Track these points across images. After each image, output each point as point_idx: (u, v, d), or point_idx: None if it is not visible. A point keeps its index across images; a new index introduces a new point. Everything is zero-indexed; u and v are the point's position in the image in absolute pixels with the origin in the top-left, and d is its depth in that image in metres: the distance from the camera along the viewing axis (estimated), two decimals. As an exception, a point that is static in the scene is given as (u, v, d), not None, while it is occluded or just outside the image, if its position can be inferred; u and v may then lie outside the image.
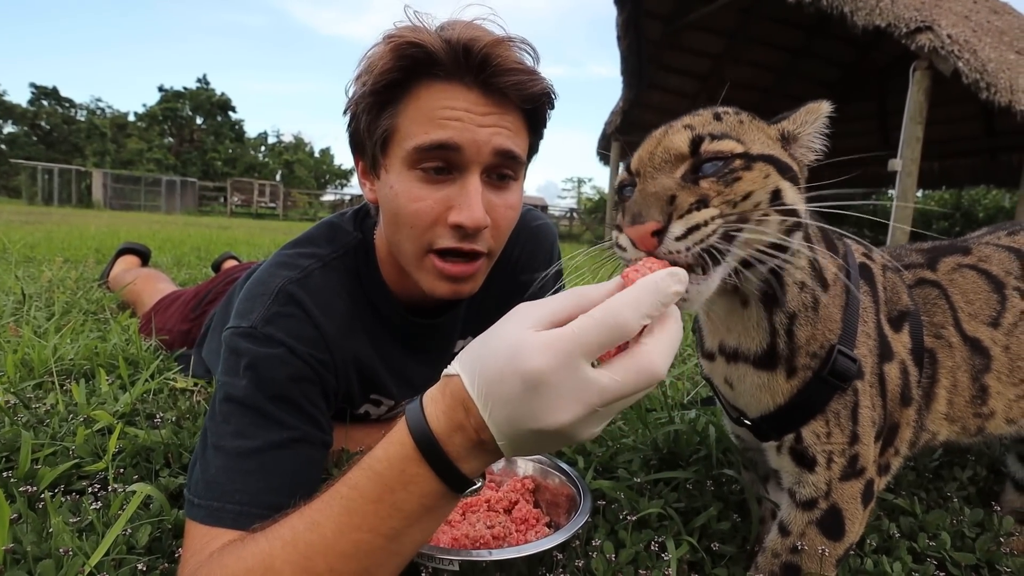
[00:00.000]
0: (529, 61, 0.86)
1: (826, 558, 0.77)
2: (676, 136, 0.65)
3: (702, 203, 0.59)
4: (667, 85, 10.61)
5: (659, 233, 0.57)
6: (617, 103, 10.55)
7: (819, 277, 0.75)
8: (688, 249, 0.56)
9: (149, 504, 0.93)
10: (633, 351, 0.50)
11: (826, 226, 0.81)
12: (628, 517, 0.93)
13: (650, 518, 0.98)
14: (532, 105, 0.87)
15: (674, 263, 0.56)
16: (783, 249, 0.65)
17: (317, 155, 46.68)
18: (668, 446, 1.22)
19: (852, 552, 0.92)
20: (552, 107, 0.92)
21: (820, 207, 0.69)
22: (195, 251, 5.02)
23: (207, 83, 40.72)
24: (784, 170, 0.65)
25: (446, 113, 0.81)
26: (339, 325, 0.92)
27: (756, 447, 0.87)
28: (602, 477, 1.13)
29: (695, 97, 10.95)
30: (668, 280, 0.51)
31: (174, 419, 1.23)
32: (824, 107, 0.70)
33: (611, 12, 9.15)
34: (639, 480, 1.06)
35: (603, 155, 11.62)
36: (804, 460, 0.77)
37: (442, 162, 0.83)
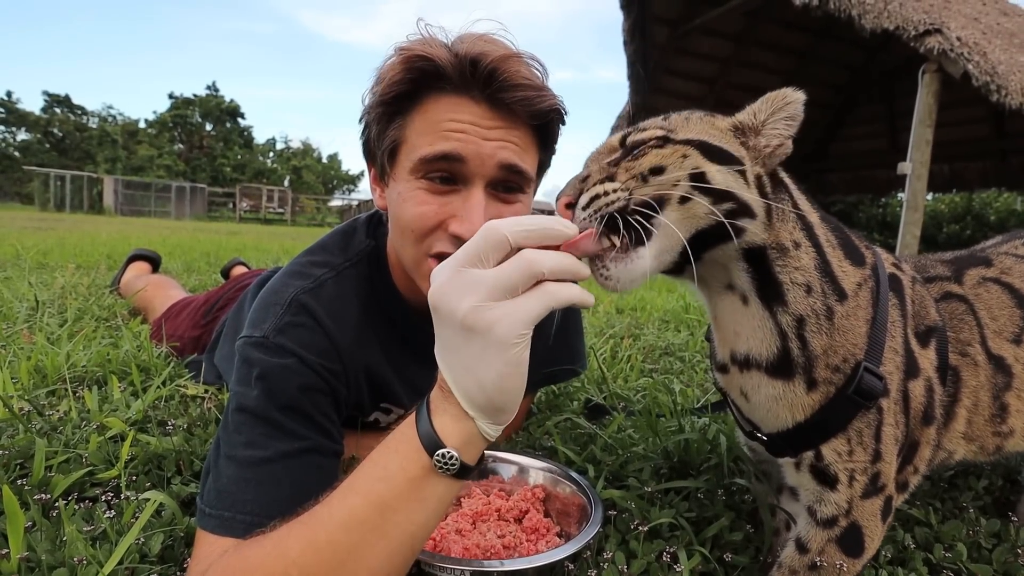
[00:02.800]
0: (538, 77, 0.87)
1: (844, 574, 0.76)
2: (613, 136, 0.74)
3: (608, 179, 0.65)
4: (673, 89, 10.60)
5: (573, 207, 0.64)
6: (623, 108, 10.55)
7: (833, 284, 0.73)
8: (590, 217, 0.63)
9: (161, 512, 0.93)
10: None
11: (850, 232, 0.80)
12: (639, 527, 0.92)
13: (661, 528, 0.97)
14: (540, 121, 0.87)
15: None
16: (736, 233, 0.67)
17: (325, 160, 46.97)
18: (679, 454, 1.21)
19: (867, 563, 0.91)
20: (563, 123, 0.92)
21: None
22: (205, 257, 5.06)
23: (216, 90, 41.15)
24: (714, 154, 0.67)
25: (452, 125, 0.82)
26: (351, 335, 0.93)
27: (771, 460, 0.86)
28: (612, 486, 1.12)
29: (702, 101, 10.94)
30: (561, 223, 0.59)
31: (185, 426, 1.24)
32: (790, 95, 0.71)
33: (618, 17, 9.18)
34: (650, 489, 1.06)
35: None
36: (826, 478, 0.76)
37: (447, 173, 0.84)
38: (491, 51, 0.82)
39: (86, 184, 23.30)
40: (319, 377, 0.86)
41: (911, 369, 0.78)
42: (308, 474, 0.80)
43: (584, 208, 0.63)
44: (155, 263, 2.99)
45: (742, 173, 0.68)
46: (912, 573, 0.93)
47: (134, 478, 1.04)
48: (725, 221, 0.64)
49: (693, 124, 0.71)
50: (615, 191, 0.63)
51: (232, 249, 6.06)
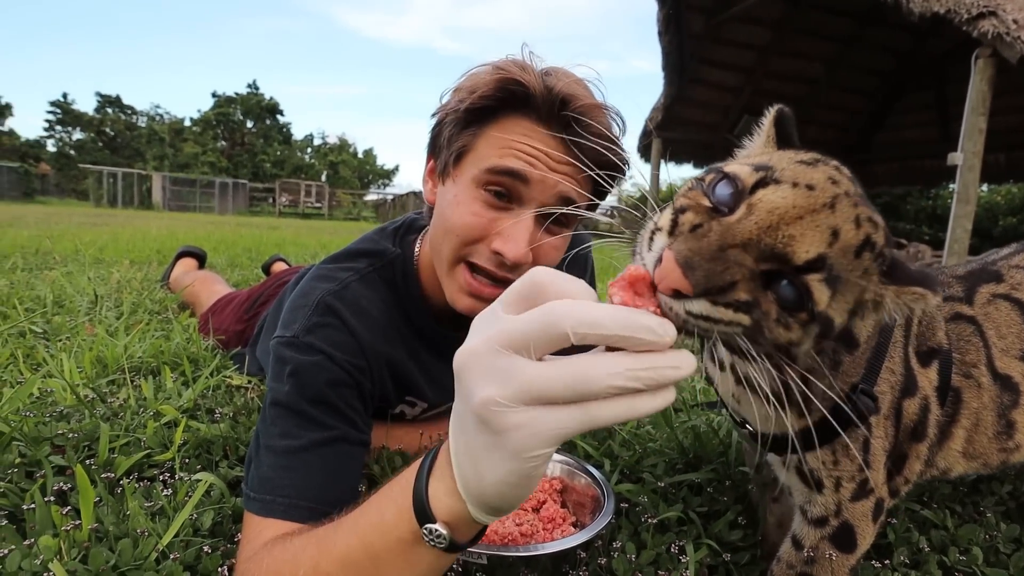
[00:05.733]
0: (616, 131, 0.91)
1: (838, 568, 0.78)
2: (809, 236, 0.49)
3: (743, 306, 0.47)
4: (709, 79, 10.35)
5: (680, 293, 0.46)
6: (658, 99, 10.38)
7: (848, 338, 0.71)
8: (684, 321, 0.47)
9: (211, 492, 1.02)
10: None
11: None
12: (650, 520, 0.96)
13: (671, 521, 1.01)
14: (605, 172, 0.90)
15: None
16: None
17: (361, 156, 47.80)
18: (694, 449, 1.24)
19: (880, 566, 0.93)
20: (624, 175, 0.96)
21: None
22: (247, 252, 5.27)
23: (256, 88, 42.31)
24: (826, 334, 0.56)
25: (525, 148, 0.87)
26: (373, 332, 0.99)
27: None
28: (628, 480, 1.16)
29: (739, 91, 10.66)
30: (652, 322, 0.43)
31: (231, 414, 1.34)
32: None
33: (653, 7, 9.02)
34: (663, 484, 1.09)
35: (644, 151, 11.45)
36: (810, 482, 0.77)
37: (506, 189, 0.88)
38: (582, 96, 0.87)
39: (136, 181, 24.41)
40: (345, 372, 0.92)
41: (908, 387, 0.77)
42: (338, 460, 0.87)
43: (687, 311, 0.46)
44: (201, 259, 3.16)
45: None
46: None
47: (186, 461, 1.14)
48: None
49: (854, 287, 0.55)
50: (732, 324, 0.47)
51: (272, 244, 6.28)
